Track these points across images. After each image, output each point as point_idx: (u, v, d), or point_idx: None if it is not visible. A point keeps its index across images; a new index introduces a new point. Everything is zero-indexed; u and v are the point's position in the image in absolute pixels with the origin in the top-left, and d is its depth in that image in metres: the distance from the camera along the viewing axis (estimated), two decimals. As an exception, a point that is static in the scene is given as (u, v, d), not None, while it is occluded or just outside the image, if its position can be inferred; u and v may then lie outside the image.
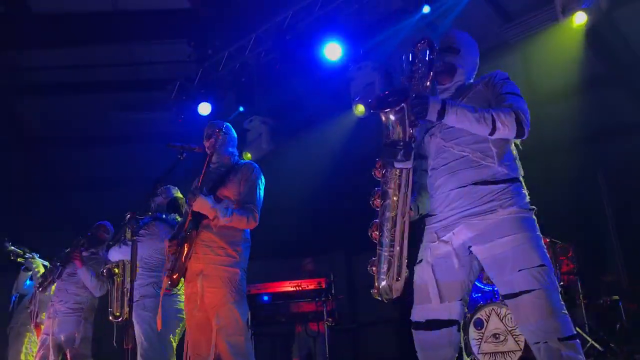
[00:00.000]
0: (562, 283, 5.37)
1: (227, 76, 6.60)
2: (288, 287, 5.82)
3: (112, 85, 7.65)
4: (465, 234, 2.41)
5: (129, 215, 3.73)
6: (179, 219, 4.27)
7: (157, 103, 7.48)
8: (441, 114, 2.35)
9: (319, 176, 8.25)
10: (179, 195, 4.43)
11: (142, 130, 8.08)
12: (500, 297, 4.93)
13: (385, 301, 2.47)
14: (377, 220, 2.44)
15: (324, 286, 5.72)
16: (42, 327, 5.63)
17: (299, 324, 6.44)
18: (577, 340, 2.22)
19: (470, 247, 2.43)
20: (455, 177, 2.47)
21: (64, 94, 7.69)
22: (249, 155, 6.24)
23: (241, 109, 6.65)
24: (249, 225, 3.38)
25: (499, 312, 4.88)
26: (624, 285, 6.38)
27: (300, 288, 5.76)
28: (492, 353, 4.83)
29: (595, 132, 7.09)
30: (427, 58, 2.47)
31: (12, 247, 5.80)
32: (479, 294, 5.60)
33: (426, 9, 5.64)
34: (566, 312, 2.25)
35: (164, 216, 4.34)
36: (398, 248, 2.39)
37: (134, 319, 3.93)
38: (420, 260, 2.55)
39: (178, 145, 3.43)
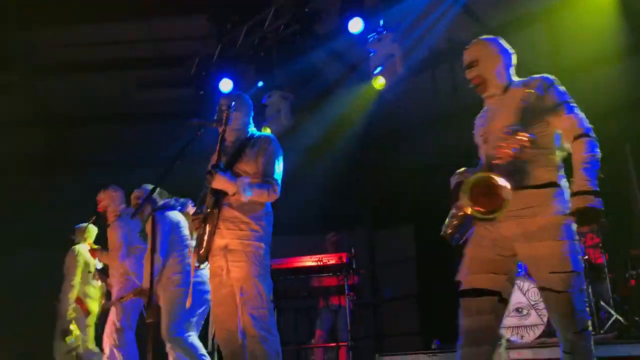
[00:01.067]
0: (586, 257, 5.30)
1: (246, 51, 6.55)
2: (309, 261, 5.84)
3: (133, 62, 7.66)
4: (509, 229, 2.64)
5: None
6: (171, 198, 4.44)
7: (177, 80, 7.47)
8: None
9: (340, 150, 8.21)
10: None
11: (163, 107, 8.10)
12: (524, 272, 4.88)
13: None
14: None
15: (345, 261, 5.73)
16: (86, 301, 5.79)
17: (321, 298, 6.49)
18: (590, 330, 2.55)
19: (513, 242, 2.66)
20: None
21: (85, 72, 7.73)
22: (268, 130, 6.19)
23: (260, 83, 6.61)
24: (270, 198, 3.36)
25: (521, 286, 4.84)
26: (651, 259, 6.27)
27: (321, 263, 5.78)
28: (516, 327, 4.80)
29: (624, 103, 6.91)
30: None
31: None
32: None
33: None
34: (585, 310, 2.55)
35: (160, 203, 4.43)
36: None
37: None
38: (467, 239, 2.79)
39: (195, 121, 3.41)
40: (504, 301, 2.68)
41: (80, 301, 5.81)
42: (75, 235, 5.98)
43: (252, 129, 3.62)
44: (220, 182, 3.24)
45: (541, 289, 2.61)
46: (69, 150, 8.92)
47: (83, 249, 5.88)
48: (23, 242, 8.40)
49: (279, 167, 3.44)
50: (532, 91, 2.63)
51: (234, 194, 3.26)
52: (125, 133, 8.44)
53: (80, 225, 5.95)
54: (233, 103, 3.42)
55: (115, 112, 8.33)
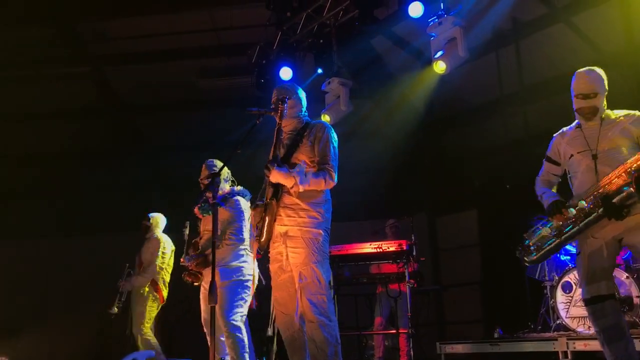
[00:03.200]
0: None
1: (306, 38, 6.55)
2: (369, 248, 5.84)
3: (195, 51, 7.84)
4: (615, 230, 3.22)
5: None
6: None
7: (238, 68, 7.59)
8: None
9: (400, 137, 8.13)
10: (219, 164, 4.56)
11: (224, 95, 8.25)
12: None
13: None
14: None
15: (405, 248, 5.69)
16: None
17: (380, 285, 6.48)
18: None
19: (620, 239, 3.26)
20: None
21: (151, 61, 7.98)
22: (327, 117, 6.18)
23: (320, 71, 6.60)
24: (327, 185, 3.40)
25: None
26: None
27: (381, 250, 5.77)
28: (581, 317, 4.64)
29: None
30: None
31: None
32: (568, 257, 5.38)
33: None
34: None
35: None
36: None
37: None
38: (579, 253, 3.36)
39: (255, 110, 3.45)
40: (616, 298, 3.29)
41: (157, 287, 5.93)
42: (151, 223, 6.07)
43: (306, 117, 3.66)
44: (277, 177, 3.30)
45: None
46: (135, 136, 9.27)
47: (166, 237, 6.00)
48: (95, 224, 8.81)
49: (334, 154, 3.47)
50: (633, 128, 3.28)
51: (292, 187, 3.31)
52: (189, 119, 8.67)
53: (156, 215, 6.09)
54: (287, 96, 3.50)
55: (179, 100, 8.56)
